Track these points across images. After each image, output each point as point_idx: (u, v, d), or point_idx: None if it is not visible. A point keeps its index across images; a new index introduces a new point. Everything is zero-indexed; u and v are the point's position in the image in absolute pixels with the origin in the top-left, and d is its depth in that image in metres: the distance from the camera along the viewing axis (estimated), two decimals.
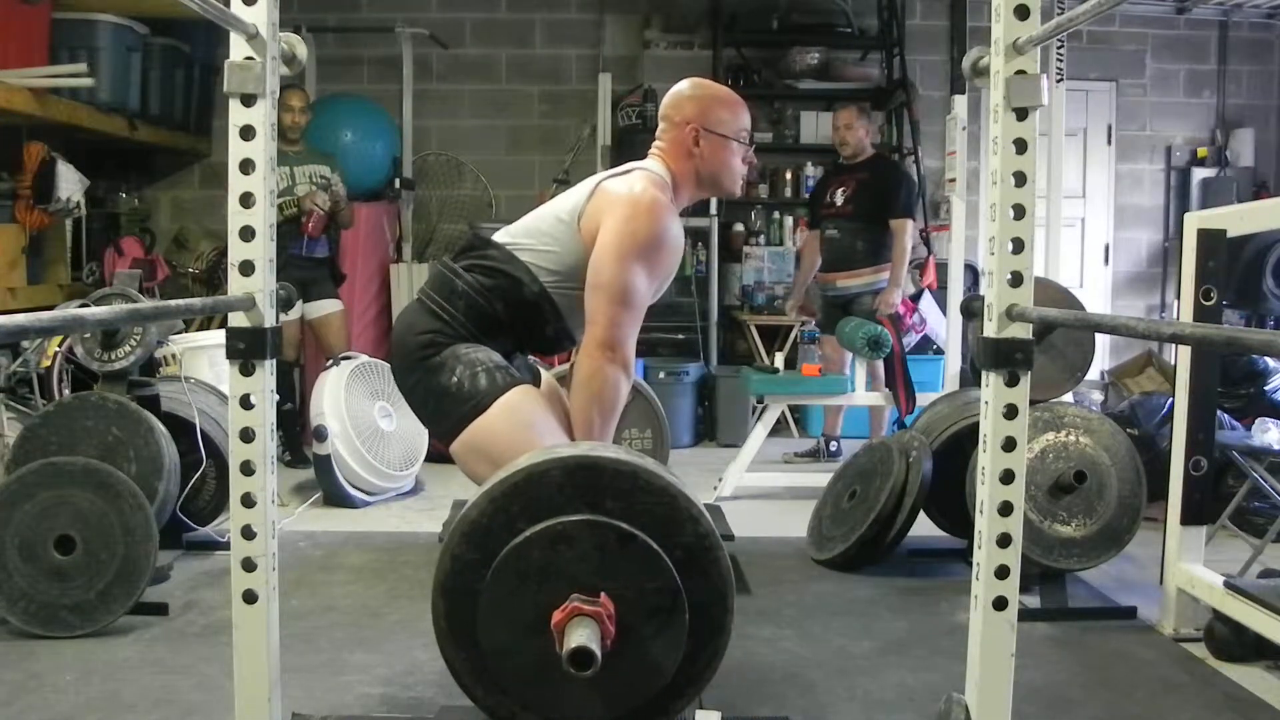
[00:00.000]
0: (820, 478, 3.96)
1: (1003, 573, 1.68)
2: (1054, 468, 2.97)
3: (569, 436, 2.15)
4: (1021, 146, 1.64)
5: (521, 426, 2.08)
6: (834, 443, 5.22)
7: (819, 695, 2.41)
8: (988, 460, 1.68)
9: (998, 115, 1.64)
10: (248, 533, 1.66)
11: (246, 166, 1.62)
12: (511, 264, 2.21)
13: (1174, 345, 4.39)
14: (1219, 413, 3.21)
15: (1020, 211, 1.66)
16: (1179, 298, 2.85)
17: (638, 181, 2.19)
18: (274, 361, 1.68)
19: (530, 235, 2.25)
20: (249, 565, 1.66)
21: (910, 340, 5.06)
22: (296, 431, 4.84)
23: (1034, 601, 2.94)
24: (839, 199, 4.94)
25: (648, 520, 1.63)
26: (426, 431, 4.54)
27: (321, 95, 5.82)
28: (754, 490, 4.48)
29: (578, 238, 2.18)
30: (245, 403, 1.65)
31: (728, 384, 5.70)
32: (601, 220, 2.14)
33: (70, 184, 4.75)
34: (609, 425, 2.13)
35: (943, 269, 5.39)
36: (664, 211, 2.15)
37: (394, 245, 5.85)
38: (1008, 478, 1.67)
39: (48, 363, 4.06)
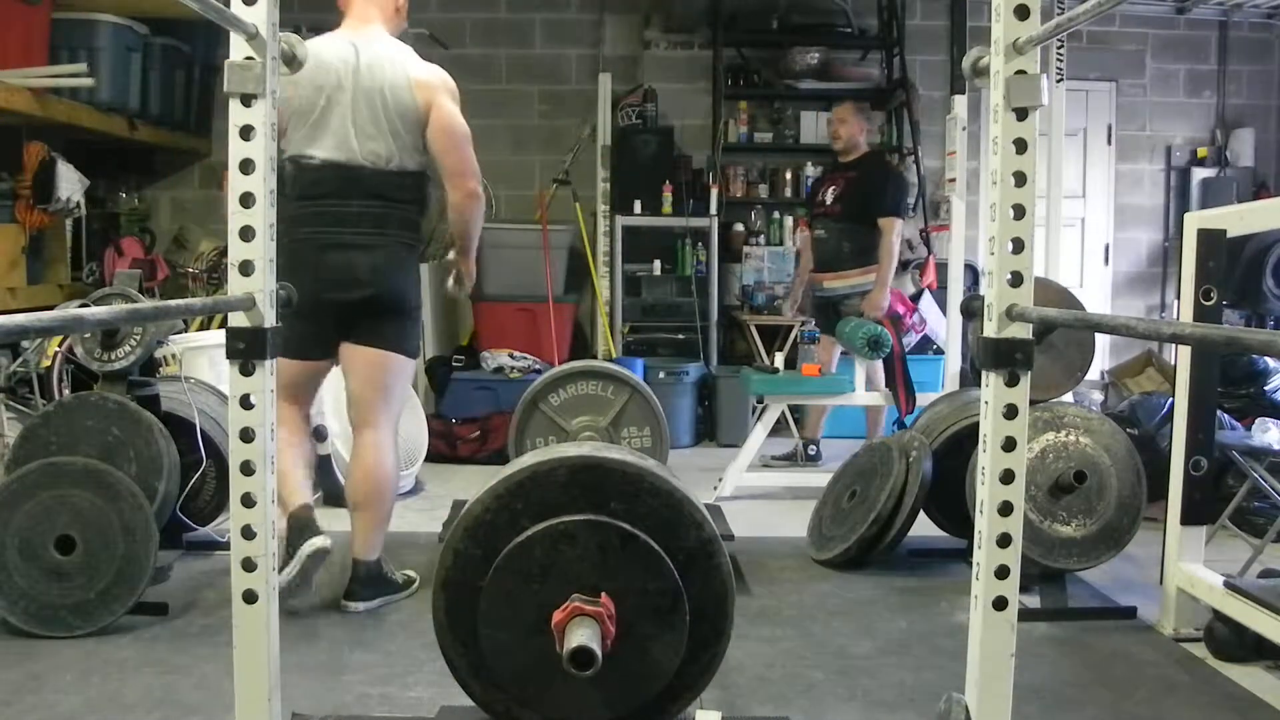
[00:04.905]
0: (820, 478, 3.96)
1: (1003, 573, 1.67)
2: (1054, 468, 2.97)
3: None
4: (1021, 146, 1.64)
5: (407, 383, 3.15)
6: (812, 446, 5.12)
7: (819, 695, 2.41)
8: (988, 460, 1.68)
9: (998, 115, 1.64)
10: (248, 533, 1.66)
11: (246, 166, 1.62)
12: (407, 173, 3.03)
13: (1174, 345, 4.39)
14: (1219, 413, 3.21)
15: (1020, 211, 1.65)
16: (1179, 298, 2.85)
17: (425, 65, 2.97)
18: (274, 361, 1.67)
19: (399, 149, 2.95)
20: (249, 565, 1.66)
21: (910, 340, 5.05)
22: None
23: (1034, 601, 2.94)
24: (829, 198, 4.92)
25: (651, 523, 1.63)
26: (426, 431, 4.57)
27: None
28: (754, 490, 4.48)
29: (419, 117, 2.94)
30: (245, 403, 1.65)
31: (728, 384, 5.70)
32: (432, 98, 2.93)
33: (70, 184, 4.75)
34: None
35: (943, 269, 5.39)
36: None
37: None
38: (1008, 478, 1.67)
39: (48, 363, 4.05)
